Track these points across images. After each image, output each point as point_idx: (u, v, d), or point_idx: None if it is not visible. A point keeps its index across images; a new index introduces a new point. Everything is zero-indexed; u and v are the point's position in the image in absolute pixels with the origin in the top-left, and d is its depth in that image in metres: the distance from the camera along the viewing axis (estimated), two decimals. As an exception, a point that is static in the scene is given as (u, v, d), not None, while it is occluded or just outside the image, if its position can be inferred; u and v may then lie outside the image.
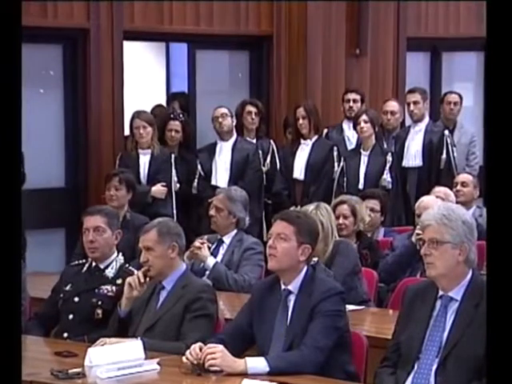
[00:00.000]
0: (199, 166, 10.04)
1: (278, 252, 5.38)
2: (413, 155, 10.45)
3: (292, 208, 7.64)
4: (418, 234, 6.93)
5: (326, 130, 10.59)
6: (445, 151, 10.33)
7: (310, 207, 7.19)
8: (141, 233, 6.11)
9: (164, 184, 9.62)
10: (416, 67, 12.12)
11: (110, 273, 6.39)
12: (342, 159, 10.20)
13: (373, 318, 6.74)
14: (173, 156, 9.84)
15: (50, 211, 9.85)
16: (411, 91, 10.81)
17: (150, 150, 9.72)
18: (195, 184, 9.99)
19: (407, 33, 11.83)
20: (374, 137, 10.21)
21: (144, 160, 9.69)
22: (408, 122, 10.87)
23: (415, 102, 10.61)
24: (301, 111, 10.26)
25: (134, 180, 8.89)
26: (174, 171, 9.79)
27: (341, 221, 7.80)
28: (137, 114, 9.75)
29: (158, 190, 9.59)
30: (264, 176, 10.15)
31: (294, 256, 5.40)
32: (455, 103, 11.06)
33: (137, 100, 10.55)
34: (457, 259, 5.08)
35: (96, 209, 6.83)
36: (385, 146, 10.36)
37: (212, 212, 7.87)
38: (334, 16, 11.29)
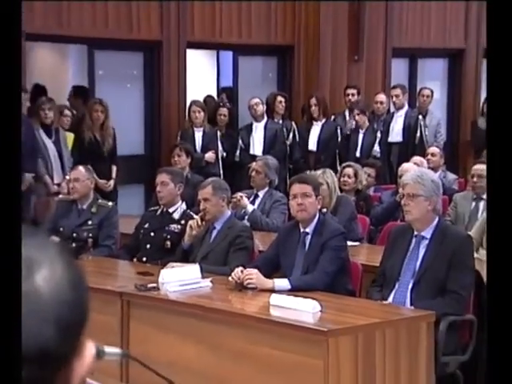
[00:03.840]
0: (240, 141, 9.95)
1: (306, 206, 5.32)
2: (396, 133, 10.38)
3: (307, 172, 7.74)
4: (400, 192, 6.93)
5: (333, 116, 10.51)
6: (419, 131, 10.28)
7: (319, 172, 7.11)
8: (199, 188, 6.12)
9: (214, 152, 9.64)
10: (398, 69, 11.98)
11: (176, 215, 6.36)
12: (344, 137, 10.15)
13: (365, 251, 6.66)
14: (218, 132, 9.78)
15: (134, 171, 9.82)
16: (394, 87, 10.76)
17: (201, 128, 9.67)
18: (237, 153, 9.91)
19: (392, 44, 11.71)
20: (366, 120, 10.21)
21: (198, 135, 9.63)
22: (392, 109, 10.75)
23: (397, 95, 10.56)
24: (313, 100, 10.21)
25: (191, 149, 8.83)
26: (219, 143, 9.75)
27: (346, 179, 7.73)
28: (193, 102, 9.74)
29: (210, 156, 9.55)
30: (287, 148, 10.07)
31: (315, 206, 5.38)
32: (427, 96, 10.92)
33: (196, 92, 10.57)
34: (427, 208, 5.10)
35: (163, 169, 6.86)
36: (375, 126, 10.30)
37: (253, 174, 7.77)
38: (339, 31, 11.19)
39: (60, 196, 7.98)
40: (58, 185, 8.62)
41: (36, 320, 1.12)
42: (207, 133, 9.72)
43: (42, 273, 1.14)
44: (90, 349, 1.18)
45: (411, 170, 6.66)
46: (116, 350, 1.94)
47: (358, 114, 10.20)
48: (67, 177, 7.40)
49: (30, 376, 1.12)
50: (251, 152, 9.89)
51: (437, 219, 5.20)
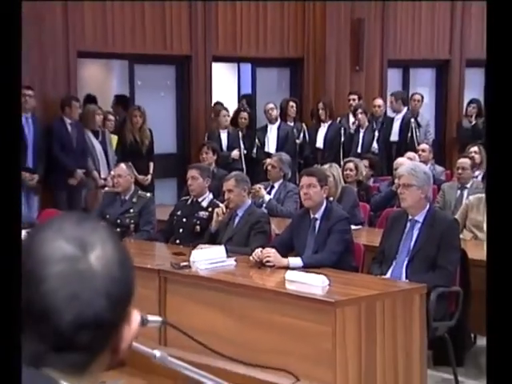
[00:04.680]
0: (257, 140, 9.93)
1: (311, 195, 5.32)
2: (393, 133, 10.35)
3: (315, 166, 7.78)
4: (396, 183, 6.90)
5: (338, 118, 10.46)
6: (410, 132, 10.24)
7: (326, 166, 7.13)
8: (224, 180, 6.11)
9: (238, 150, 9.61)
10: (393, 78, 11.92)
11: (204, 204, 6.35)
12: (347, 136, 10.12)
13: (366, 233, 6.64)
14: (240, 133, 9.74)
15: (167, 167, 9.78)
16: (391, 94, 10.82)
17: (226, 130, 9.68)
18: (254, 151, 9.86)
19: (388, 56, 11.65)
20: (366, 120, 10.20)
21: (223, 136, 9.63)
22: (389, 112, 10.74)
23: (391, 102, 10.66)
24: (321, 105, 10.19)
25: (217, 147, 8.79)
26: (241, 142, 9.74)
27: (348, 172, 7.71)
28: (223, 107, 9.74)
29: (235, 154, 9.56)
30: (297, 146, 10.05)
31: (320, 195, 5.35)
32: (418, 100, 10.91)
33: (219, 99, 10.57)
34: (420, 196, 5.09)
35: (193, 165, 6.85)
36: (374, 126, 10.24)
37: (269, 168, 7.78)
38: (342, 46, 11.14)
39: (106, 188, 8.00)
40: (105, 179, 8.64)
41: (90, 293, 1.13)
42: (231, 133, 9.69)
43: (95, 253, 1.14)
44: (136, 317, 1.19)
45: (405, 163, 6.66)
46: (157, 318, 1.95)
47: (361, 113, 10.14)
48: (112, 172, 7.42)
49: (88, 340, 1.13)
50: (266, 150, 9.83)
51: (428, 205, 5.19)
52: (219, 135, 9.59)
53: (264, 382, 2.35)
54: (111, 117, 9.33)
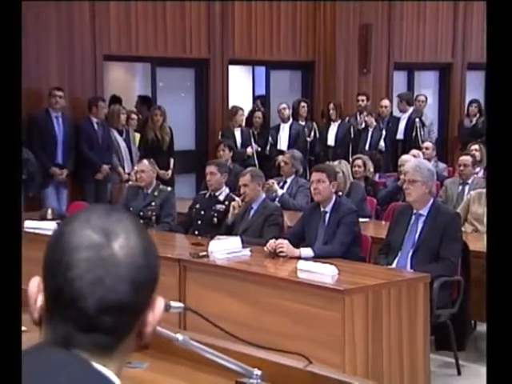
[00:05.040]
0: (270, 138, 9.89)
1: (320, 190, 5.29)
2: (400, 132, 10.32)
3: (326, 162, 7.73)
4: (401, 179, 6.88)
5: (347, 118, 10.42)
6: (414, 131, 10.19)
7: (336, 162, 7.12)
8: (240, 175, 6.09)
9: (251, 147, 9.58)
10: (399, 80, 11.87)
11: (221, 198, 6.31)
12: (356, 134, 10.08)
13: (373, 226, 6.61)
14: (250, 132, 9.67)
15: (187, 163, 9.77)
16: (398, 96, 10.79)
17: (239, 128, 9.63)
18: (268, 148, 9.84)
19: (394, 59, 11.59)
20: (374, 121, 10.17)
21: (237, 134, 9.58)
22: (395, 112, 10.75)
23: (398, 102, 10.64)
24: (331, 105, 10.16)
25: (233, 145, 8.78)
26: (252, 140, 9.68)
27: (357, 169, 7.67)
28: (239, 108, 9.68)
29: (250, 150, 9.54)
30: (308, 144, 10.02)
31: (329, 190, 5.32)
32: (422, 101, 10.86)
33: (235, 100, 10.57)
34: (424, 191, 5.07)
35: (211, 161, 6.80)
36: (381, 125, 10.20)
37: (282, 164, 7.75)
38: (351, 50, 11.10)
39: (130, 183, 8.01)
40: (128, 174, 8.66)
41: (113, 279, 1.13)
42: (244, 132, 9.67)
43: (119, 241, 1.14)
44: (160, 304, 1.19)
45: (410, 160, 6.63)
46: (179, 304, 1.95)
47: (367, 115, 10.13)
48: (135, 168, 7.43)
49: (111, 322, 1.13)
50: (279, 147, 9.81)
51: (432, 200, 5.16)
52: (233, 133, 9.57)
53: (278, 364, 2.34)
54: (134, 116, 9.35)
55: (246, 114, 9.93)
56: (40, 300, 1.16)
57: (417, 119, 10.35)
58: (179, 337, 2.14)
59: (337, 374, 2.29)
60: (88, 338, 1.13)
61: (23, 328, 1.46)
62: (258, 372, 2.24)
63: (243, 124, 9.72)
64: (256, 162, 9.44)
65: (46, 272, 1.15)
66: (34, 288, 1.17)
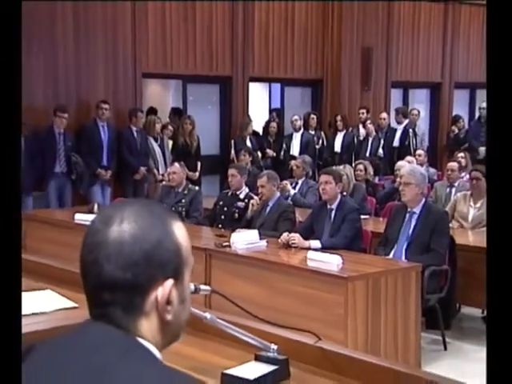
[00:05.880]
0: (284, 145, 9.85)
1: (327, 191, 5.27)
2: (396, 141, 10.25)
3: (333, 167, 7.68)
4: (397, 181, 6.84)
5: (351, 128, 10.33)
6: (409, 140, 10.15)
7: (341, 167, 7.13)
8: (258, 177, 6.07)
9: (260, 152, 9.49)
10: (395, 96, 11.81)
11: (241, 196, 6.29)
12: (358, 142, 10.08)
13: (373, 222, 6.57)
14: (255, 140, 9.57)
15: (212, 166, 9.74)
16: (395, 109, 10.74)
17: (248, 136, 9.46)
18: (282, 154, 9.79)
19: (392, 78, 11.53)
20: (374, 131, 10.15)
21: (247, 142, 9.42)
22: (392, 124, 10.68)
23: (395, 115, 10.59)
24: (339, 117, 10.15)
25: (251, 149, 8.74)
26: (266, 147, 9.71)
27: (359, 172, 7.63)
28: (251, 120, 9.68)
29: (270, 152, 9.64)
30: (317, 150, 9.98)
31: (335, 190, 5.30)
32: (415, 114, 10.74)
33: (255, 112, 10.55)
34: (417, 192, 5.04)
35: (233, 165, 6.78)
36: (380, 135, 10.15)
37: (294, 167, 7.72)
38: (354, 69, 11.05)
39: (163, 183, 8.03)
40: (162, 175, 8.68)
41: (104, 260, 1.11)
42: (252, 140, 9.58)
43: (113, 227, 1.12)
44: (168, 284, 1.15)
45: (405, 165, 6.59)
46: (207, 287, 1.94)
47: (370, 124, 10.10)
48: (168, 170, 7.44)
49: (112, 298, 1.11)
50: (291, 153, 9.80)
51: (424, 200, 5.14)
52: (245, 141, 9.47)
53: (291, 340, 2.33)
54: (170, 127, 9.36)
55: (263, 124, 9.89)
56: None
57: (411, 130, 10.30)
58: (207, 315, 2.13)
59: (342, 349, 2.27)
60: (101, 313, 1.11)
61: (75, 305, 1.45)
62: (274, 346, 2.23)
63: (251, 132, 9.60)
64: (261, 163, 9.34)
65: None
66: None
